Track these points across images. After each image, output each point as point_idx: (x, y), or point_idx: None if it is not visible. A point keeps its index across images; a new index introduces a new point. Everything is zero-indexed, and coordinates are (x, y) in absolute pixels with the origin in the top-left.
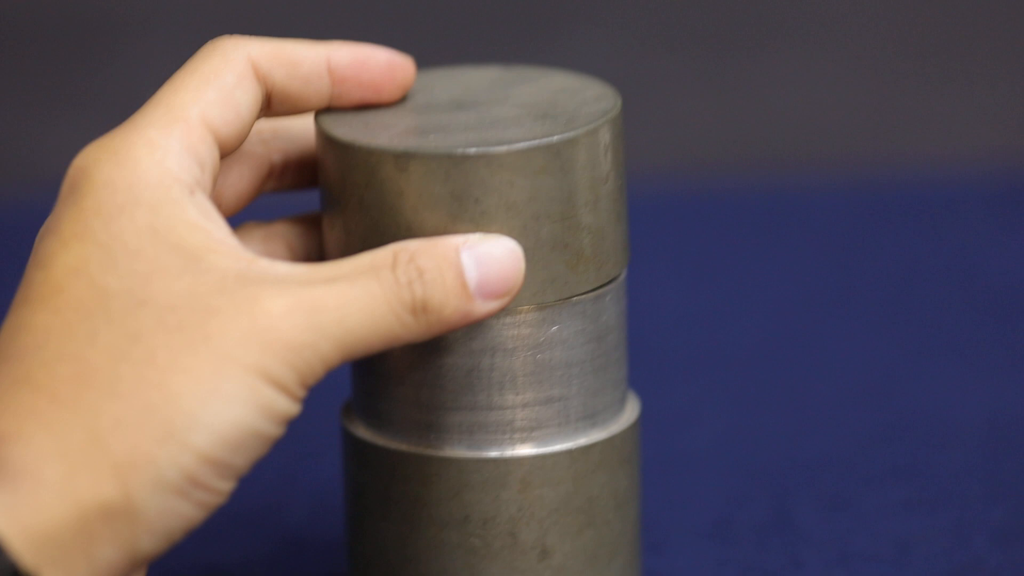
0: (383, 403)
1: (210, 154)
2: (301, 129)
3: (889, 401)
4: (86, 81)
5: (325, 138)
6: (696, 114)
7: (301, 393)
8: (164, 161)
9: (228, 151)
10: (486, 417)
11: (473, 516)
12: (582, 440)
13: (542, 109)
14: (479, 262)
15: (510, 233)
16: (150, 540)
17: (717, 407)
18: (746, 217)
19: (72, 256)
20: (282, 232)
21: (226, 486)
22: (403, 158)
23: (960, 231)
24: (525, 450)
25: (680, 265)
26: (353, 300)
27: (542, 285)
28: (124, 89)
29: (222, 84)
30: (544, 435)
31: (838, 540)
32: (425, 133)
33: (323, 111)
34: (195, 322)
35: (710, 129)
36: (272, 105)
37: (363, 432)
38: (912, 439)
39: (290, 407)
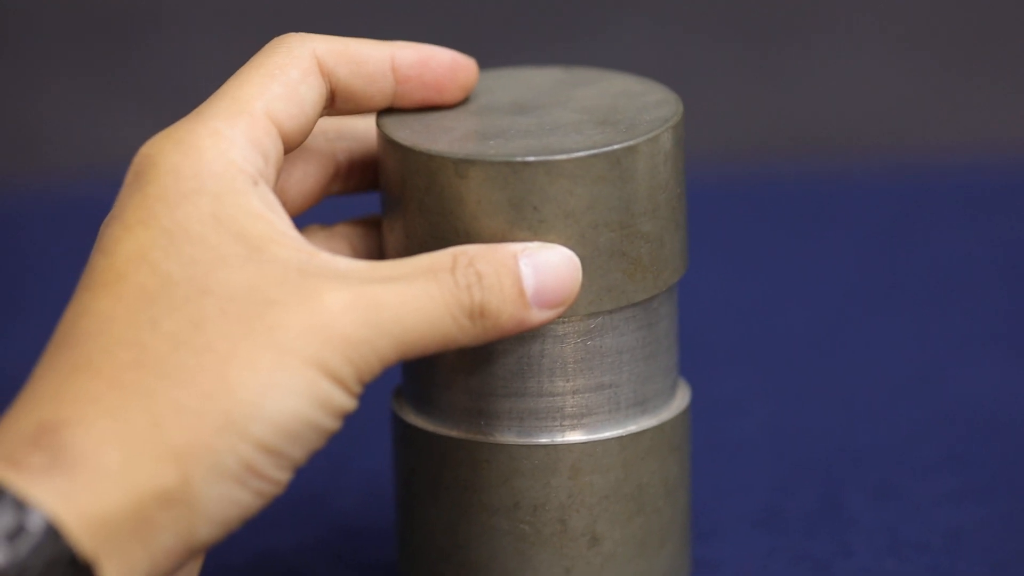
0: (433, 389)
1: (274, 147)
2: (366, 129)
3: (940, 389)
4: (135, 70)
5: (386, 140)
6: (744, 101)
7: (357, 389)
8: (228, 151)
9: (292, 146)
10: (536, 403)
11: (523, 503)
12: (632, 427)
13: (602, 114)
14: (537, 270)
15: (568, 241)
16: (207, 528)
17: (767, 395)
18: (795, 205)
19: (135, 242)
20: (344, 233)
21: (283, 476)
22: (463, 164)
23: (1008, 219)
24: (575, 437)
25: (730, 253)
26: (412, 300)
27: (599, 293)
28: (173, 78)
29: (287, 79)
30: (594, 422)
31: (888, 529)
32: (485, 138)
33: (384, 112)
34: (256, 312)
35: (758, 116)
36: (336, 103)
37: (413, 418)
38: (963, 428)
39: (347, 402)
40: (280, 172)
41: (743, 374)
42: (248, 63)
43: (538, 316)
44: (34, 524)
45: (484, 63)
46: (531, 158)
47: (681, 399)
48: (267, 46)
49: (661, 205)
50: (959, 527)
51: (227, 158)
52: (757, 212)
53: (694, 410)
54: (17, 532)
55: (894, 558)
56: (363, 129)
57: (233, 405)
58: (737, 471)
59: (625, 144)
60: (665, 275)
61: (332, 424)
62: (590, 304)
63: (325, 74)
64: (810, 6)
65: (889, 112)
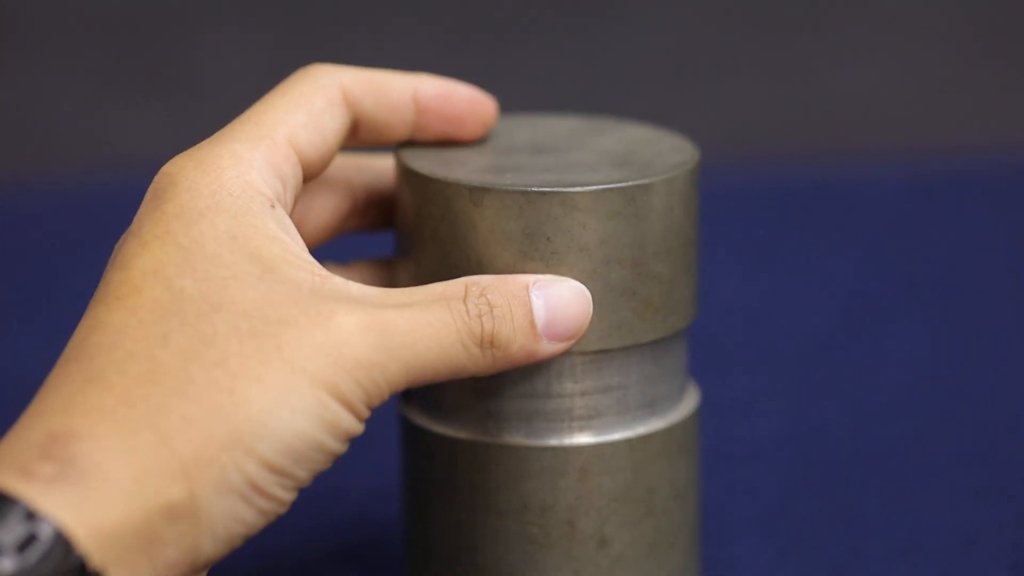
0: (441, 391)
1: (293, 173)
2: (385, 167)
3: (955, 390)
4: (145, 65)
5: (403, 170)
6: (756, 99)
7: (365, 413)
8: (247, 173)
9: (312, 174)
10: (545, 405)
11: (531, 504)
12: (641, 429)
13: (620, 157)
14: (548, 303)
15: (579, 275)
16: (212, 543)
17: (779, 396)
18: (808, 204)
19: (151, 257)
20: (359, 271)
21: (287, 496)
22: (478, 192)
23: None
24: (584, 439)
25: (741, 253)
26: (424, 326)
27: (608, 331)
28: (184, 73)
29: (311, 108)
30: (603, 424)
31: (902, 531)
32: (502, 171)
33: (403, 145)
34: (268, 331)
35: (769, 114)
36: (359, 133)
37: (421, 419)
38: (978, 429)
39: (354, 425)
40: (298, 200)
41: (753, 375)
42: (274, 90)
43: (548, 348)
44: (44, 534)
45: (491, 58)
46: (546, 189)
47: (690, 401)
48: (294, 75)
49: (674, 247)
50: (973, 529)
51: (245, 179)
52: (768, 212)
53: (704, 412)
54: (28, 542)
55: (907, 561)
56: (381, 167)
57: (241, 422)
58: (748, 472)
59: (640, 182)
60: (674, 319)
61: (338, 447)
62: (599, 340)
63: (350, 104)
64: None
65: (903, 110)
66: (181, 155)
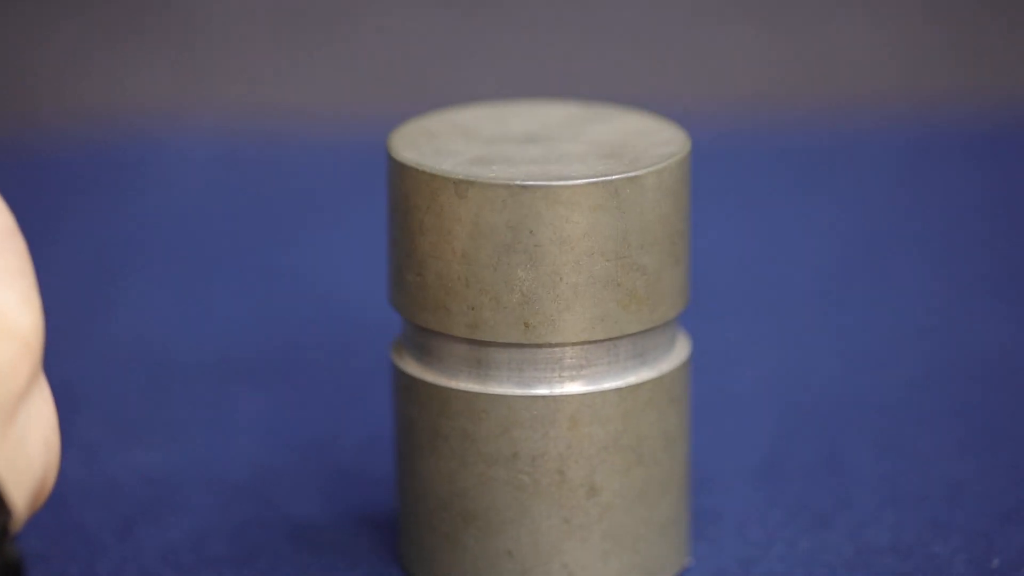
0: (433, 339)
1: None
2: None
3: (942, 340)
4: (139, 9)
5: (392, 161)
6: (748, 46)
7: None
8: None
9: None
10: (535, 354)
11: (522, 453)
12: (632, 378)
13: (611, 148)
14: None
15: (562, 267)
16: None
17: (768, 346)
18: (797, 153)
19: None
20: None
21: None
22: (463, 185)
23: (1016, 167)
24: (574, 388)
25: (732, 202)
26: None
27: (592, 322)
28: (180, 19)
29: None
30: (594, 373)
31: (889, 481)
32: (490, 163)
33: (394, 134)
34: None
35: (763, 64)
36: None
37: (413, 368)
38: (967, 379)
39: None
40: None
41: (745, 325)
42: None
43: None
44: None
45: (480, 19)
46: (530, 182)
47: (681, 350)
48: None
49: (661, 239)
50: (960, 479)
51: None
52: (759, 160)
53: (695, 361)
54: None
55: (894, 510)
56: None
57: None
58: (737, 422)
59: (625, 175)
60: (662, 310)
61: None
62: (582, 332)
63: None
64: None
65: (900, 59)
66: None
